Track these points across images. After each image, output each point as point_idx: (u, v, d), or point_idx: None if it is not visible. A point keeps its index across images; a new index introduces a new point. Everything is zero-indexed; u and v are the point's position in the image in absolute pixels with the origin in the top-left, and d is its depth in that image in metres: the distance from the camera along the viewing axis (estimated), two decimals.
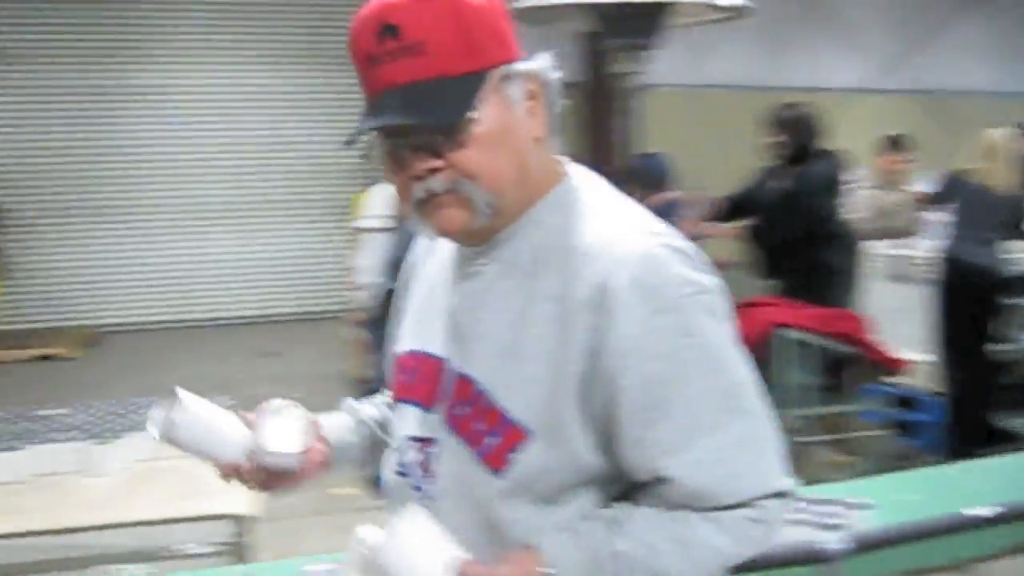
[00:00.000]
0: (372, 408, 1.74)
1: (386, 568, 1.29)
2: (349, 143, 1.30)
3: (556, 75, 1.39)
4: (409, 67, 1.27)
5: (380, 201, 5.49)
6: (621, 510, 1.36)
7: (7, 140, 10.09)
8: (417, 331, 1.52)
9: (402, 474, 1.48)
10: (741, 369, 1.36)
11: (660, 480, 1.34)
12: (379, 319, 3.81)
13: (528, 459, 1.34)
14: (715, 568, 1.36)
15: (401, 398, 1.52)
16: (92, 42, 10.21)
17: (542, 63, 1.37)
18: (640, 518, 1.34)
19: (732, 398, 1.34)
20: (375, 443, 1.68)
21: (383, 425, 1.68)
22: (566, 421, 1.32)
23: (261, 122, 10.80)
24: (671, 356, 1.30)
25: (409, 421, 1.48)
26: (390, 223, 4.93)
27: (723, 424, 1.32)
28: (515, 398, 1.34)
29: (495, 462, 1.35)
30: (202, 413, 1.53)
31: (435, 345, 1.46)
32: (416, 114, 1.26)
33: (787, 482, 1.38)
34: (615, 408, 1.32)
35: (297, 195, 10.93)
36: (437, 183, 1.31)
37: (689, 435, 1.31)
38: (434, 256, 1.56)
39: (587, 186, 1.44)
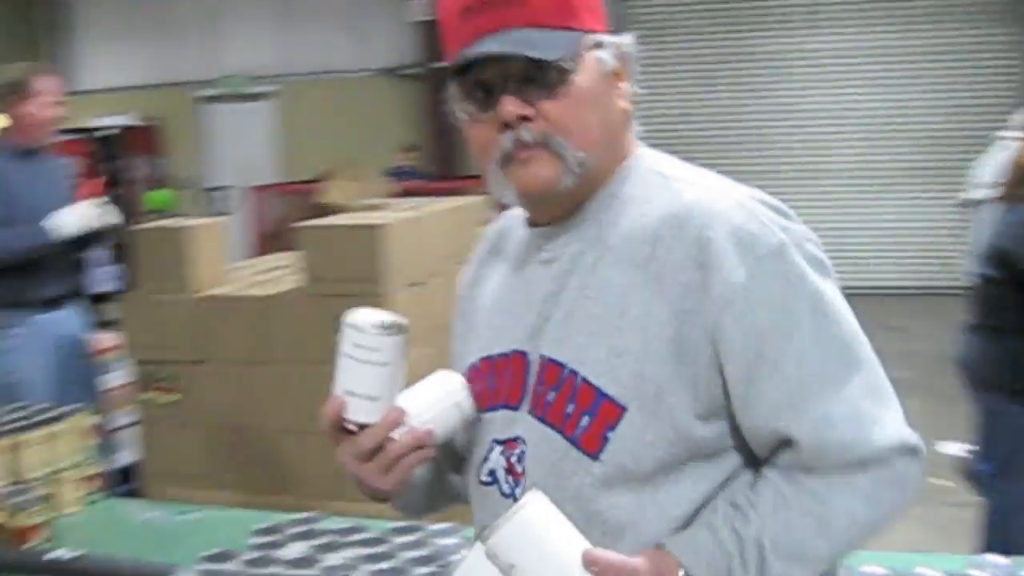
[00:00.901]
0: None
1: (521, 548, 1.18)
2: (450, 78, 1.30)
3: (635, 60, 1.37)
4: (508, 16, 1.27)
5: (990, 170, 5.01)
6: (743, 493, 1.27)
7: (644, 110, 10.74)
8: (488, 337, 1.44)
9: (489, 483, 1.39)
10: (851, 319, 1.30)
11: (783, 440, 1.26)
12: (977, 307, 3.44)
13: (626, 435, 1.27)
14: (853, 539, 1.27)
15: (481, 407, 1.40)
16: (720, 10, 10.71)
17: (629, 43, 1.36)
18: (767, 497, 1.25)
19: (847, 348, 1.28)
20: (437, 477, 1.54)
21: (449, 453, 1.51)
22: (664, 388, 1.25)
23: (886, 85, 10.65)
24: (780, 304, 1.25)
25: (490, 426, 1.39)
26: (996, 196, 4.42)
27: (844, 376, 1.26)
28: (605, 373, 1.28)
29: (591, 444, 1.28)
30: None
31: (512, 342, 1.39)
32: (520, 45, 1.25)
33: (916, 437, 1.29)
34: (726, 365, 1.25)
35: (919, 163, 10.66)
36: (527, 132, 1.28)
37: (810, 388, 1.24)
38: (498, 258, 1.50)
39: (660, 159, 1.41)
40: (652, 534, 1.27)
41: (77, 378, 4.14)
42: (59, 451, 2.62)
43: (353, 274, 3.69)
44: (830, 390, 1.25)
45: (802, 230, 1.31)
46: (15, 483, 2.51)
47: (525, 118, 1.28)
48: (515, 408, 1.36)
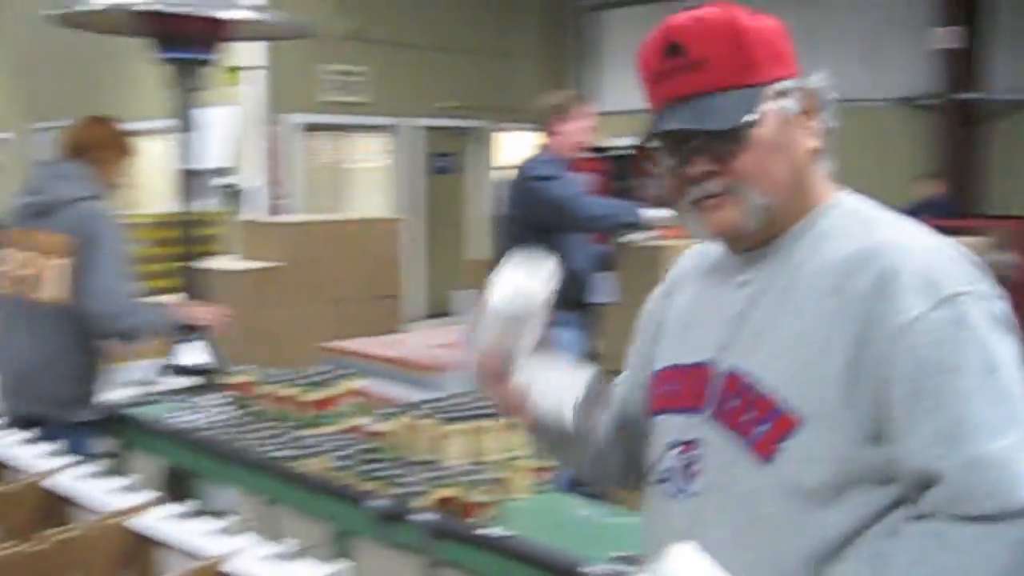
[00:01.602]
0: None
1: None
2: (637, 148, 1.46)
3: (831, 94, 1.47)
4: (691, 81, 1.41)
5: None
6: (888, 542, 1.31)
7: None
8: (679, 346, 1.56)
9: (662, 481, 1.50)
10: (1020, 379, 1.30)
11: (928, 476, 1.27)
12: None
13: (797, 447, 1.35)
14: None
15: (661, 409, 1.55)
16: None
17: (818, 81, 1.47)
18: (908, 545, 1.28)
19: (1010, 404, 1.28)
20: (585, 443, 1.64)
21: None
22: (837, 408, 1.33)
23: None
24: (947, 344, 1.29)
25: (670, 429, 1.51)
26: None
27: (1004, 428, 1.26)
28: (786, 387, 1.37)
29: (764, 450, 1.37)
30: None
31: (700, 354, 1.50)
32: (697, 121, 1.39)
33: None
34: (888, 394, 1.31)
35: None
36: (713, 184, 1.42)
37: (967, 427, 1.26)
38: (693, 276, 1.62)
39: (862, 203, 1.49)
40: (811, 548, 1.34)
41: None
42: (516, 441, 2.81)
43: None
44: (987, 436, 1.26)
45: (991, 288, 1.36)
46: (474, 463, 2.75)
47: (711, 172, 1.42)
48: (696, 413, 1.47)
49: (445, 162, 11.87)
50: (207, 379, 4.01)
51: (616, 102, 13.05)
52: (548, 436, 1.64)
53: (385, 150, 11.27)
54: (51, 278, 3.55)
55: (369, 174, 11.30)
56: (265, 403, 3.49)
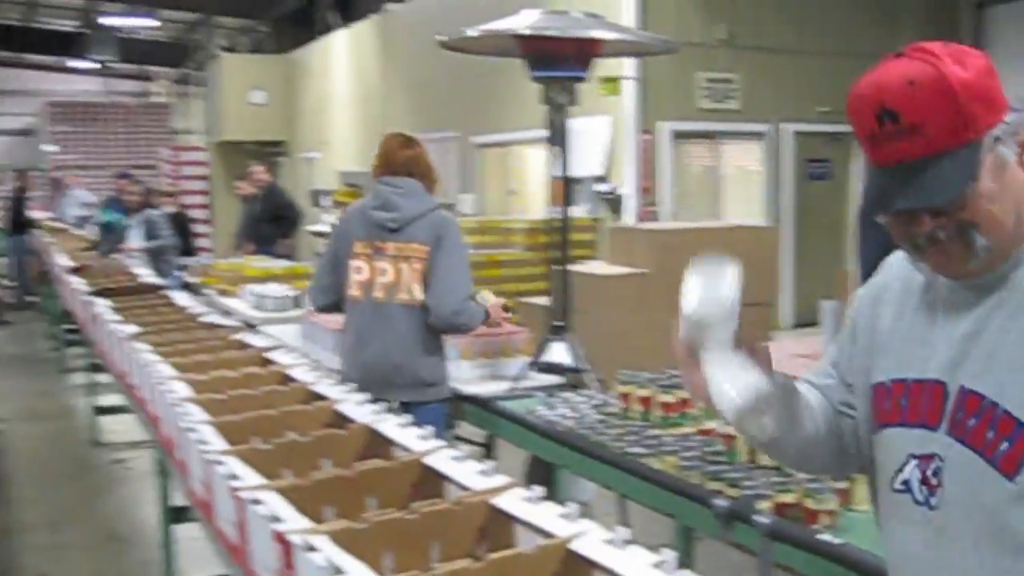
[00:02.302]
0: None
1: None
2: (870, 213, 1.49)
3: None
4: (909, 147, 1.43)
5: None
6: None
7: None
8: (899, 361, 1.60)
9: (902, 491, 1.55)
10: None
11: None
12: None
13: None
14: None
15: (892, 422, 1.59)
16: None
17: None
18: None
19: None
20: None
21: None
22: None
23: None
24: None
25: (906, 442, 1.56)
26: None
27: None
28: None
29: (1009, 466, 1.42)
30: None
31: (927, 371, 1.55)
32: (923, 195, 1.43)
33: None
34: None
35: None
36: (940, 232, 1.46)
37: None
38: (903, 288, 1.64)
39: None
40: None
41: None
42: None
43: None
44: None
45: None
46: None
47: (935, 222, 1.45)
48: (933, 429, 1.52)
49: (821, 168, 11.65)
50: (570, 377, 4.26)
51: None
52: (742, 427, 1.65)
53: (756, 156, 11.25)
54: (406, 283, 3.97)
55: (740, 181, 11.31)
56: (623, 402, 3.68)
